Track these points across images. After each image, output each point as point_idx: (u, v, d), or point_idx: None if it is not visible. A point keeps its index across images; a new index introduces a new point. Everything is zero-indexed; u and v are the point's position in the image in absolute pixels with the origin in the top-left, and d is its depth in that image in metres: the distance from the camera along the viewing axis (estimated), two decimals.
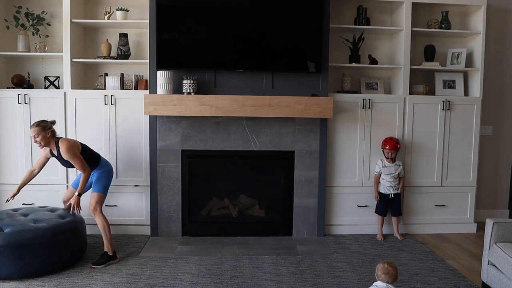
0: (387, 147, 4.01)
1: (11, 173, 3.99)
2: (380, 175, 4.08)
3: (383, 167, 4.05)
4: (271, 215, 4.21)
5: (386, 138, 4.08)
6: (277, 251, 3.71)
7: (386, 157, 4.05)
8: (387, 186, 4.04)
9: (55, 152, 3.37)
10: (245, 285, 3.04)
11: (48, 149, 3.40)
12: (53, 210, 3.51)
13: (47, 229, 3.08)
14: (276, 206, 4.18)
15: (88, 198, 3.45)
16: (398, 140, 4.04)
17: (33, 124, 3.27)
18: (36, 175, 3.50)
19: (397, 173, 4.03)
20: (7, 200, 3.42)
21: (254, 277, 3.17)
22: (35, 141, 3.26)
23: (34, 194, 4.00)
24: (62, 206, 4.00)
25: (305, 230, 4.10)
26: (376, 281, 2.43)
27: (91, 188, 3.50)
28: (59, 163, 3.46)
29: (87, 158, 3.39)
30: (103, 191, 3.48)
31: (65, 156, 3.28)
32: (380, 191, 4.08)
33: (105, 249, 3.37)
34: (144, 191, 4.01)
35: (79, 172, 3.65)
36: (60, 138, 3.36)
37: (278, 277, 3.16)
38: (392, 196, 4.04)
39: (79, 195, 3.31)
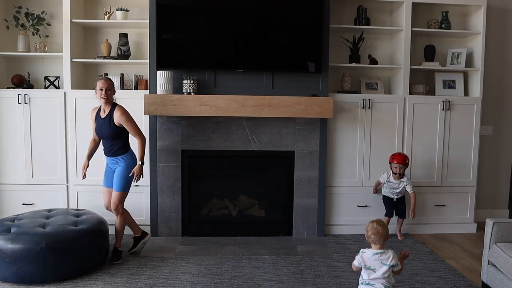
0: (395, 161, 3.89)
1: (11, 173, 3.99)
2: (381, 183, 4.08)
3: (387, 181, 3.99)
4: (271, 215, 4.21)
5: (394, 153, 3.99)
6: (277, 251, 3.71)
7: (393, 173, 3.92)
8: (389, 193, 4.04)
9: (103, 115, 3.31)
10: (245, 285, 3.04)
11: (95, 112, 3.38)
12: (78, 215, 3.39)
13: (42, 237, 2.94)
14: (276, 206, 4.18)
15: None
16: (406, 156, 3.95)
17: (104, 77, 3.31)
18: (99, 141, 3.51)
19: (399, 190, 3.96)
20: (83, 176, 3.47)
21: (254, 277, 3.17)
22: (104, 94, 3.22)
23: (34, 194, 4.00)
24: (63, 206, 4.01)
25: (305, 230, 4.10)
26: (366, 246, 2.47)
27: (114, 186, 3.37)
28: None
29: (127, 134, 3.36)
30: (125, 189, 3.39)
31: (119, 118, 3.24)
32: (384, 194, 4.08)
33: (117, 245, 3.43)
34: (144, 191, 4.01)
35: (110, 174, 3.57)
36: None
37: (278, 277, 3.16)
38: (395, 199, 4.03)
39: (142, 163, 3.31)
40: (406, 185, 3.94)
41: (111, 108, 3.30)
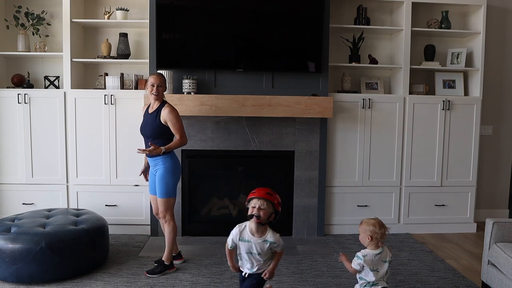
0: (252, 203, 2.31)
1: (11, 173, 3.99)
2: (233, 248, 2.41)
3: (240, 239, 2.35)
4: None
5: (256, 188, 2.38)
6: None
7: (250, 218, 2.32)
8: (244, 262, 2.43)
9: (151, 110, 3.17)
10: None
11: (145, 109, 3.26)
12: (78, 215, 3.39)
13: (42, 236, 2.93)
14: None
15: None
16: (271, 193, 2.33)
17: (157, 73, 3.17)
18: None
19: (256, 251, 2.34)
20: (146, 178, 3.40)
21: None
22: (155, 90, 3.10)
23: (34, 194, 4.00)
24: (63, 206, 4.01)
25: (305, 230, 4.10)
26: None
27: (157, 193, 3.16)
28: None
29: (170, 136, 3.17)
30: (170, 194, 3.14)
31: (167, 116, 3.07)
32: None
33: (163, 258, 3.20)
34: (144, 191, 4.00)
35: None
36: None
37: (278, 277, 3.16)
38: (246, 275, 2.41)
39: (164, 153, 3.04)
40: (275, 242, 2.34)
41: (160, 104, 3.15)
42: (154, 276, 3.13)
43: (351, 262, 2.41)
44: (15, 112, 3.94)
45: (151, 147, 3.02)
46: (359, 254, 2.36)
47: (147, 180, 3.45)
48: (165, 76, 3.32)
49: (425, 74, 4.45)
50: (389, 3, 4.27)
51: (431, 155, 4.23)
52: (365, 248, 2.40)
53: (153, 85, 3.12)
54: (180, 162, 3.92)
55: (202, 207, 4.17)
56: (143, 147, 3.22)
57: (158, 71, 3.32)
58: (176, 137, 3.12)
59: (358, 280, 2.42)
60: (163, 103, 3.17)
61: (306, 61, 3.90)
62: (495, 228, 2.82)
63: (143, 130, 3.23)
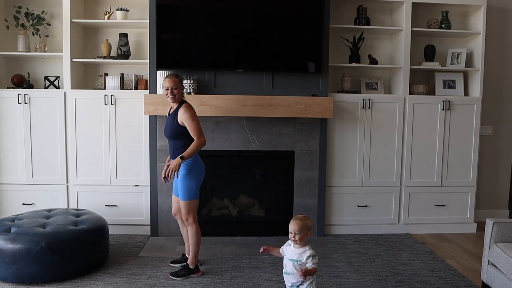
0: None
1: (11, 173, 3.99)
2: None
3: None
4: (271, 215, 4.21)
5: None
6: None
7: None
8: None
9: (171, 111, 3.15)
10: (245, 285, 3.04)
11: (168, 110, 3.22)
12: (78, 215, 3.38)
13: (42, 236, 2.93)
14: (276, 206, 4.18)
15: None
16: None
17: (171, 75, 3.08)
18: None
19: None
20: (165, 180, 3.03)
21: (254, 277, 3.17)
22: (171, 93, 3.04)
23: (34, 194, 4.00)
24: (63, 206, 4.01)
25: None
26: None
27: (179, 195, 3.12)
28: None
29: (190, 137, 3.05)
30: (193, 197, 3.09)
31: (182, 116, 3.01)
32: None
33: (188, 261, 3.17)
34: (144, 191, 4.01)
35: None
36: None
37: (278, 277, 3.16)
38: None
39: (182, 158, 2.95)
40: None
41: (178, 105, 3.10)
42: (177, 278, 3.09)
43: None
44: (15, 112, 3.94)
45: (170, 168, 2.98)
46: (312, 253, 2.26)
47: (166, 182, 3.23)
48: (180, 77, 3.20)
49: (425, 74, 4.45)
50: (389, 3, 4.27)
51: (431, 155, 4.23)
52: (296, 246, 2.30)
53: (167, 89, 3.07)
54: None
55: (202, 207, 4.16)
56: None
57: (172, 73, 3.23)
58: (194, 138, 3.02)
59: (309, 280, 2.27)
60: (181, 103, 3.12)
61: (306, 61, 3.90)
62: (495, 228, 2.82)
63: (164, 131, 3.21)
